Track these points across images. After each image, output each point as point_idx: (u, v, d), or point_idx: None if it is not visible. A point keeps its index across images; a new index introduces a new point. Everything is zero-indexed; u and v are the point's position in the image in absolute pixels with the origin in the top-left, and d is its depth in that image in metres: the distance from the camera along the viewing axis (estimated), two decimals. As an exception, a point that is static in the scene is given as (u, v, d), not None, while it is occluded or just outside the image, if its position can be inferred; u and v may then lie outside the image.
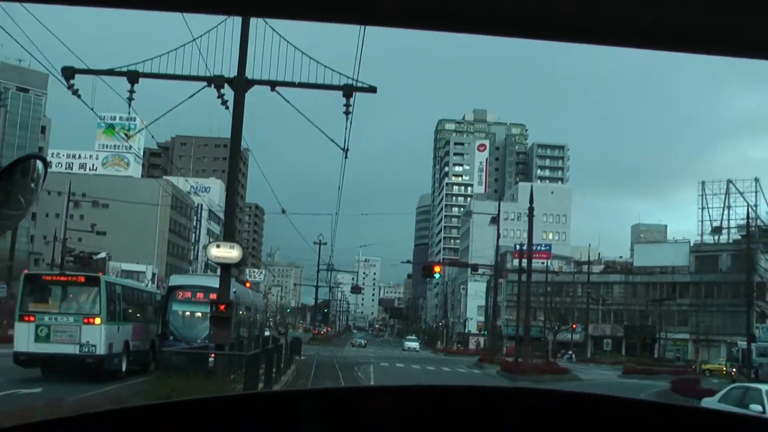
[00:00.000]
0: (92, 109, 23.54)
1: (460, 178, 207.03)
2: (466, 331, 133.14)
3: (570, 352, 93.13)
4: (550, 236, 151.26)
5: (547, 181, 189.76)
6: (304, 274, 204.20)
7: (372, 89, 20.41)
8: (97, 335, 28.22)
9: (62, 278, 31.63)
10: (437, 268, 61.71)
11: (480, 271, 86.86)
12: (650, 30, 1.51)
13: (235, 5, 1.59)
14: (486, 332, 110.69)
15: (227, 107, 20.02)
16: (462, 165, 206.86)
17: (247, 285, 56.07)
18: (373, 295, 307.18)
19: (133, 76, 20.06)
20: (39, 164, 1.85)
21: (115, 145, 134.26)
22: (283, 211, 45.03)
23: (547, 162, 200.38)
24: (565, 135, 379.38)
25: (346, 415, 1.93)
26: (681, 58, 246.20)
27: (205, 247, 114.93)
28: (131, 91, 19.88)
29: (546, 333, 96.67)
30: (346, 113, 20.57)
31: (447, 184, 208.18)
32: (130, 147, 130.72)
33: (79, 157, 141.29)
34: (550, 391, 2.04)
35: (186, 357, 22.01)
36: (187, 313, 33.37)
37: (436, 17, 1.51)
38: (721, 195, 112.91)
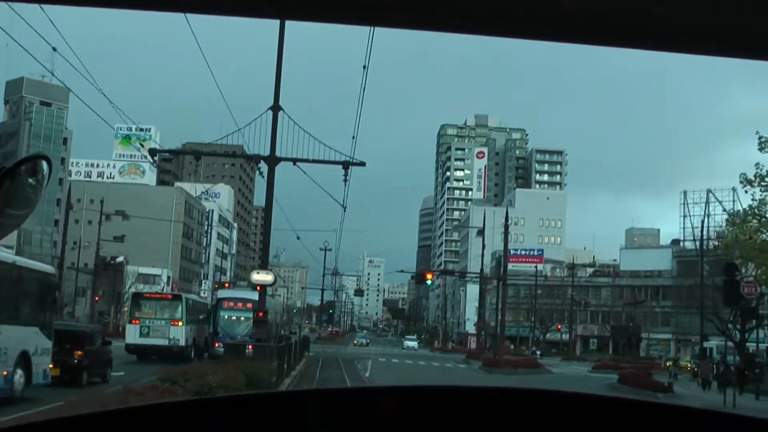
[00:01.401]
0: (150, 160, 33.66)
1: (461, 183, 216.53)
2: (465, 331, 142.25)
3: (533, 348, 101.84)
4: (546, 240, 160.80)
5: (546, 186, 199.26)
6: (310, 274, 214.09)
7: (362, 164, 29.96)
8: (179, 332, 42.66)
9: (157, 295, 49.65)
10: (429, 276, 71.46)
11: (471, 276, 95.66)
12: (653, 30, 1.59)
13: (242, 6, 1.63)
14: (484, 333, 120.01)
15: (263, 176, 29.55)
16: (463, 170, 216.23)
17: (258, 288, 68.26)
18: (378, 295, 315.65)
19: (198, 156, 29.81)
20: (44, 164, 1.92)
21: (131, 155, 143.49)
22: (298, 238, 56.16)
23: (546, 167, 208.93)
24: (565, 137, 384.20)
25: (348, 415, 2.00)
26: (685, 58, 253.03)
27: (220, 253, 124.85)
28: (198, 165, 29.62)
29: (535, 333, 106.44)
30: (345, 180, 30.39)
31: (448, 188, 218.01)
32: (146, 156, 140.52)
33: (98, 165, 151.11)
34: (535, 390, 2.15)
35: (234, 347, 32.52)
36: (231, 317, 46.09)
37: (437, 16, 1.58)
38: (701, 204, 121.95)
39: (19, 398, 20.32)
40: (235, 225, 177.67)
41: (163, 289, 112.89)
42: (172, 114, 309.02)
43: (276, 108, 29.52)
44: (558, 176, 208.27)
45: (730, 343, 62.86)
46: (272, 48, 30.67)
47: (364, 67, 27.67)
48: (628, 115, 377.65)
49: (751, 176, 36.12)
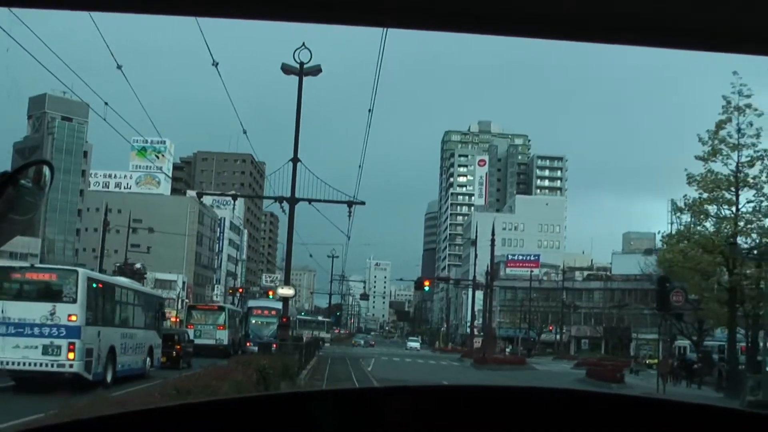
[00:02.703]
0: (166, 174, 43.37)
1: (464, 189, 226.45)
2: (467, 332, 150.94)
3: (505, 345, 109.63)
4: (545, 244, 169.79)
5: (547, 191, 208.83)
6: (317, 277, 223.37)
7: (362, 203, 39.33)
8: (224, 335, 55.21)
9: (206, 307, 63.48)
10: (427, 283, 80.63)
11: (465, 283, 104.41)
12: (657, 27, 1.63)
13: (252, 7, 1.64)
14: (482, 333, 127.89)
15: (285, 213, 38.79)
16: (466, 176, 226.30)
17: (270, 293, 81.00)
18: (384, 298, 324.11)
19: (234, 198, 39.17)
20: (46, 170, 1.93)
21: (146, 166, 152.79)
22: (311, 255, 67.72)
23: (547, 173, 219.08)
24: (568, 140, 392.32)
25: (358, 415, 2.05)
26: (693, 57, 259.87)
27: (233, 260, 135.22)
28: (233, 206, 39.04)
29: (527, 333, 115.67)
30: (349, 216, 39.93)
31: (452, 194, 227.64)
32: (161, 168, 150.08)
33: (115, 176, 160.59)
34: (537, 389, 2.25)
35: (264, 345, 42.29)
36: (259, 322, 57.80)
37: (441, 16, 1.63)
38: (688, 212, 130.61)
39: (147, 375, 31.89)
40: (246, 231, 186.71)
41: (179, 293, 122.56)
42: (181, 117, 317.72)
43: (295, 159, 38.82)
44: (558, 181, 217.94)
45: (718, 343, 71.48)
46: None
47: (370, 110, 36.02)
48: (632, 117, 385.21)
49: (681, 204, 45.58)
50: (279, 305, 45.45)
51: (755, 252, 42.34)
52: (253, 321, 59.52)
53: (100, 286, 29.73)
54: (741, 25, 1.64)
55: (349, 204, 39.60)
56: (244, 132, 31.04)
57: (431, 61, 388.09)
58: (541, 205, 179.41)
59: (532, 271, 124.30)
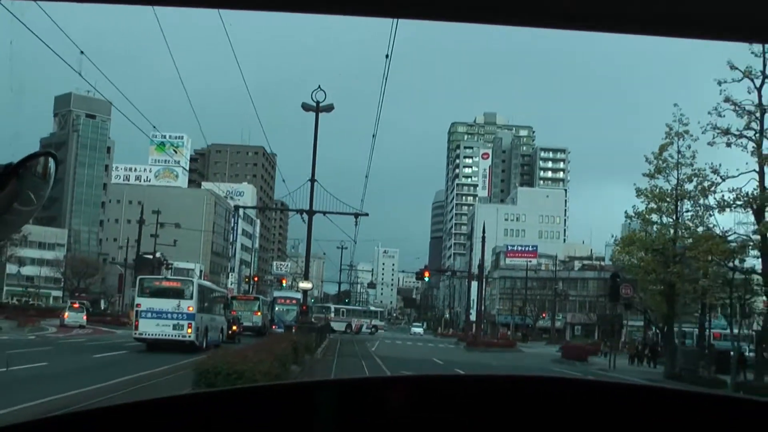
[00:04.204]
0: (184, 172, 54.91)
1: (469, 180, 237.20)
2: (469, 319, 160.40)
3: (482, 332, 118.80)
4: (546, 235, 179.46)
5: (550, 182, 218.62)
6: (326, 265, 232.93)
7: (366, 214, 50.32)
8: (258, 319, 68.03)
9: (244, 297, 77.48)
10: (426, 274, 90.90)
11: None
12: (662, 16, 1.63)
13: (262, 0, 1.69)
14: (485, 320, 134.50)
15: (305, 222, 49.67)
16: (471, 167, 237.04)
17: (283, 281, 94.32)
18: (392, 285, 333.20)
19: (258, 210, 50.20)
20: (50, 161, 1.97)
21: (165, 160, 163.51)
22: (324, 254, 79.79)
23: (550, 164, 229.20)
24: (573, 129, 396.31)
25: (362, 404, 2.08)
26: (693, 45, 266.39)
27: (249, 251, 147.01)
28: (258, 216, 50.15)
29: (524, 320, 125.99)
30: (355, 224, 50.94)
31: (457, 184, 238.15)
32: (179, 162, 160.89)
33: (135, 170, 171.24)
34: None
35: (288, 327, 53.77)
36: (282, 309, 71.87)
37: (447, 7, 1.65)
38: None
39: (220, 346, 42.96)
40: (258, 221, 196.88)
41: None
42: (196, 108, 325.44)
43: (312, 180, 49.71)
44: (561, 173, 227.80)
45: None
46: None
47: (375, 134, 45.88)
48: (636, 108, 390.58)
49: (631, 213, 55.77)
50: (299, 295, 57.57)
51: (682, 255, 52.29)
52: (278, 308, 73.97)
53: (203, 288, 46.80)
54: (742, 14, 1.66)
55: (356, 215, 50.70)
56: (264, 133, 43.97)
57: (440, 53, 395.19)
58: (542, 196, 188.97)
59: (529, 261, 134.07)
